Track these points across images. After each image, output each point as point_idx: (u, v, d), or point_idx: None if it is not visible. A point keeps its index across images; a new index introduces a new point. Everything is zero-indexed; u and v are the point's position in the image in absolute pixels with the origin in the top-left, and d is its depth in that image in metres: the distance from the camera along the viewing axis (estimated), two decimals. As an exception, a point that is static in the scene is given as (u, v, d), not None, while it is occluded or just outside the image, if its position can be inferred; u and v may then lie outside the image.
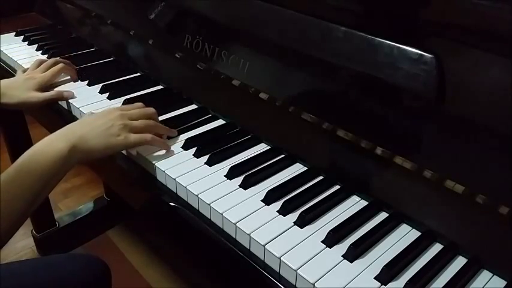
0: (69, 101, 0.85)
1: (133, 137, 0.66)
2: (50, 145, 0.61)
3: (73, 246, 1.43)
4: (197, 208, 0.62)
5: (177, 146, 0.72)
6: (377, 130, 0.60)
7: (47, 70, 0.89)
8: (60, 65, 0.90)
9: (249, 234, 0.55)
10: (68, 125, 0.66)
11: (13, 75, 1.00)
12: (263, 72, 0.73)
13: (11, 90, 0.83)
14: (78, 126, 0.66)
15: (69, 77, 0.93)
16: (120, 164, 0.72)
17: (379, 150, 0.59)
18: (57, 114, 0.87)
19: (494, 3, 0.49)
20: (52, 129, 0.99)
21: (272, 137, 0.73)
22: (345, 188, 0.64)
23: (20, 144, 1.27)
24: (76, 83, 0.92)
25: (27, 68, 0.92)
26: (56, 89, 0.88)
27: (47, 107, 0.88)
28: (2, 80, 0.85)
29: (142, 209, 0.77)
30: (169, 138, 0.73)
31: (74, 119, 0.84)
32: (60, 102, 0.88)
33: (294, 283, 0.52)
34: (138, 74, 0.97)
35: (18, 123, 1.26)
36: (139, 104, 0.75)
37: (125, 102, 0.83)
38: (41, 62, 0.92)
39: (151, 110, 0.73)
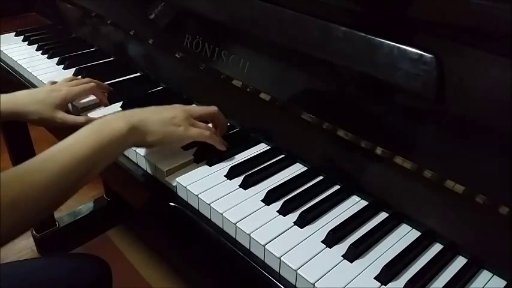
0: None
1: (193, 130, 0.66)
2: (108, 124, 0.59)
3: (73, 246, 1.43)
4: (197, 208, 0.62)
5: (177, 146, 0.71)
6: (377, 130, 0.60)
7: (77, 86, 0.82)
8: (92, 84, 0.83)
9: (249, 234, 0.55)
10: (127, 110, 0.64)
11: (14, 76, 1.00)
12: (263, 72, 0.73)
13: (33, 105, 0.75)
14: (139, 111, 0.64)
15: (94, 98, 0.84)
16: (121, 163, 0.72)
17: (379, 150, 0.59)
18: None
19: (494, 3, 0.49)
20: (52, 129, 1.00)
21: (272, 137, 0.73)
22: (345, 188, 0.64)
23: (20, 144, 1.27)
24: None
25: (56, 82, 0.85)
26: (86, 116, 0.80)
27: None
28: (24, 90, 0.77)
29: (143, 209, 0.77)
30: None
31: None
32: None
33: (294, 283, 0.52)
34: (138, 74, 0.97)
35: (18, 123, 1.26)
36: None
37: (125, 102, 0.83)
38: (74, 79, 0.86)
39: (213, 108, 0.71)
